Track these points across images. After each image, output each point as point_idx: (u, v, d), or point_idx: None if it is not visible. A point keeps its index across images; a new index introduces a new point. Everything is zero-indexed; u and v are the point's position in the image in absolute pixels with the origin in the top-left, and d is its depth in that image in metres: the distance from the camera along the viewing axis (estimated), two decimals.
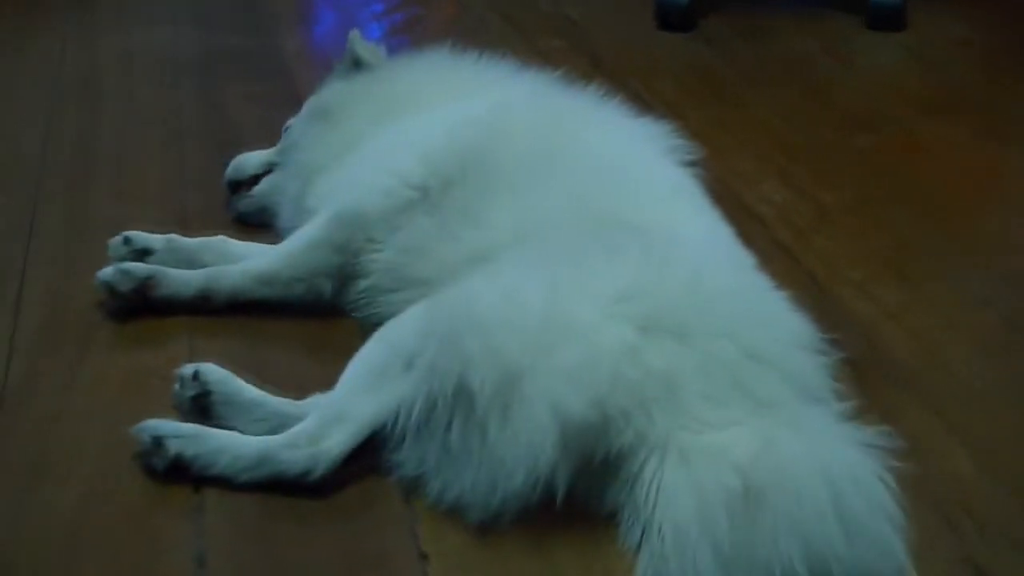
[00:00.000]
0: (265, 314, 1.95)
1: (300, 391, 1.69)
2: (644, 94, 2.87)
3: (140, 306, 1.93)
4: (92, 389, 1.78)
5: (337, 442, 1.55)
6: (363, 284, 1.90)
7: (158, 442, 1.57)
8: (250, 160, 2.27)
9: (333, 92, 2.20)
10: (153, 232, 2.06)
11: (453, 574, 1.46)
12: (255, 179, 2.25)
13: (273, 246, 2.01)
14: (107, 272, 1.93)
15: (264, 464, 1.55)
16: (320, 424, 1.57)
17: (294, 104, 2.30)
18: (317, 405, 1.63)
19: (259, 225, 2.20)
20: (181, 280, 1.94)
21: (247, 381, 1.69)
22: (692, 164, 1.95)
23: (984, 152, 2.69)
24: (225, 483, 1.56)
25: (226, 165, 2.28)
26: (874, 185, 2.48)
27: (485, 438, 1.48)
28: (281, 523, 1.53)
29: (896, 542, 1.38)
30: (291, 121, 2.24)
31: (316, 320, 1.94)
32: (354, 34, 2.24)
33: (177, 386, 1.68)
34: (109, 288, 1.93)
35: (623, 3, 3.58)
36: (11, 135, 2.65)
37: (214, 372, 1.68)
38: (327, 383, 1.66)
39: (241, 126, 2.63)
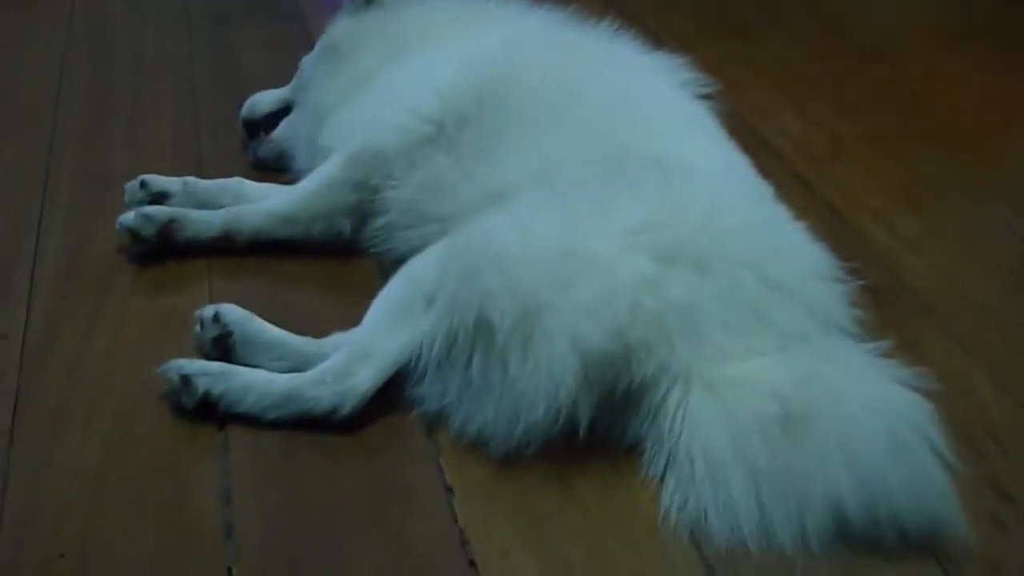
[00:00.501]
0: (283, 255, 1.96)
1: (320, 330, 1.70)
2: (658, 30, 2.85)
3: (162, 250, 1.94)
4: (113, 334, 1.79)
5: (365, 378, 1.57)
6: (381, 221, 1.90)
7: (186, 380, 1.58)
8: (264, 99, 2.27)
9: (342, 30, 2.19)
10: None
11: (478, 506, 1.47)
12: (270, 120, 2.25)
13: (291, 186, 2.01)
14: (129, 217, 1.94)
15: (292, 401, 1.56)
16: (347, 361, 1.58)
17: (306, 48, 2.30)
18: (338, 344, 1.63)
19: (278, 169, 2.20)
20: (203, 221, 1.95)
21: (268, 321, 1.70)
22: (706, 97, 1.94)
23: (999, 82, 2.68)
24: (250, 421, 1.58)
25: (240, 110, 2.28)
26: (890, 116, 2.47)
27: (506, 371, 1.49)
28: (305, 460, 1.54)
29: (943, 478, 1.39)
30: (305, 59, 2.24)
31: (334, 259, 1.95)
32: None
33: (198, 327, 1.69)
34: (132, 233, 1.93)
35: None
36: (24, 86, 2.65)
37: (233, 312, 1.69)
38: (346, 322, 1.68)
39: (253, 72, 2.62)
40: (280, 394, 1.57)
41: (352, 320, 1.67)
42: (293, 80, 2.25)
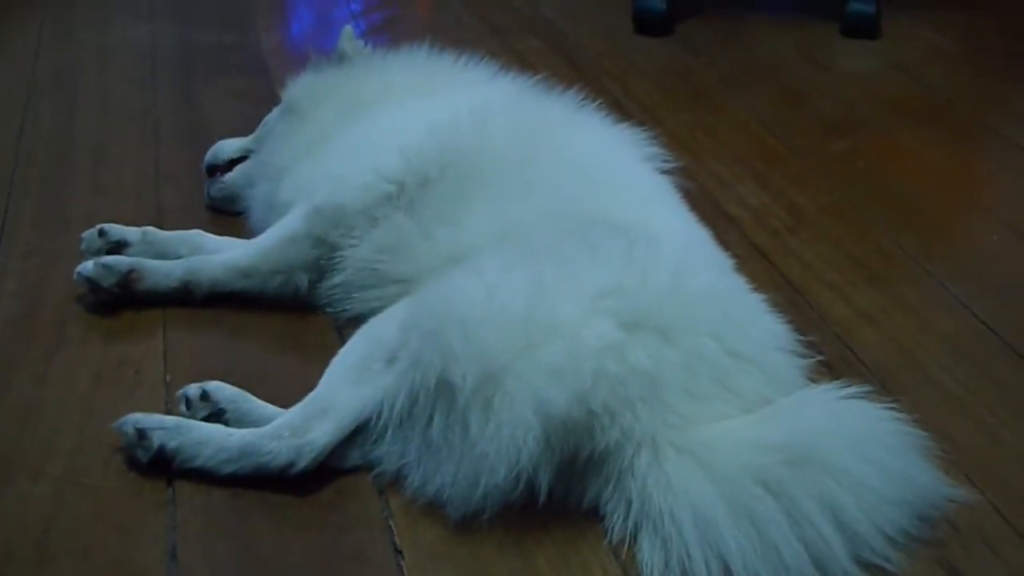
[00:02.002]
0: (238, 307, 1.95)
1: (275, 386, 1.70)
2: (621, 97, 2.88)
3: (120, 299, 1.92)
4: (66, 382, 1.77)
5: (322, 433, 1.55)
6: (338, 280, 1.89)
7: (142, 434, 1.57)
8: (228, 146, 2.28)
9: (302, 87, 2.20)
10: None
11: (427, 569, 1.46)
12: (231, 165, 2.25)
13: (251, 240, 2.00)
14: (88, 267, 1.92)
15: (247, 455, 1.55)
16: (304, 416, 1.57)
17: (271, 101, 2.30)
18: None
19: (232, 214, 2.21)
20: (163, 272, 1.94)
21: (222, 376, 1.69)
22: (669, 171, 1.96)
23: (958, 158, 2.71)
24: (200, 477, 1.56)
25: (202, 160, 2.28)
26: (850, 189, 2.49)
27: (467, 432, 1.48)
28: (254, 518, 1.52)
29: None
30: (269, 114, 2.24)
31: (289, 314, 1.94)
32: (347, 29, 2.25)
33: (183, 407, 1.65)
34: (91, 283, 1.91)
35: (600, 6, 3.58)
36: None
37: (224, 390, 1.66)
38: (301, 377, 1.67)
39: (217, 122, 2.62)
40: (236, 448, 1.55)
41: (307, 376, 1.66)
42: (256, 131, 2.25)
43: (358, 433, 1.58)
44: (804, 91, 3.05)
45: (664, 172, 1.94)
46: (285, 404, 1.63)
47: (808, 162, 2.62)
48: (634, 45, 3.32)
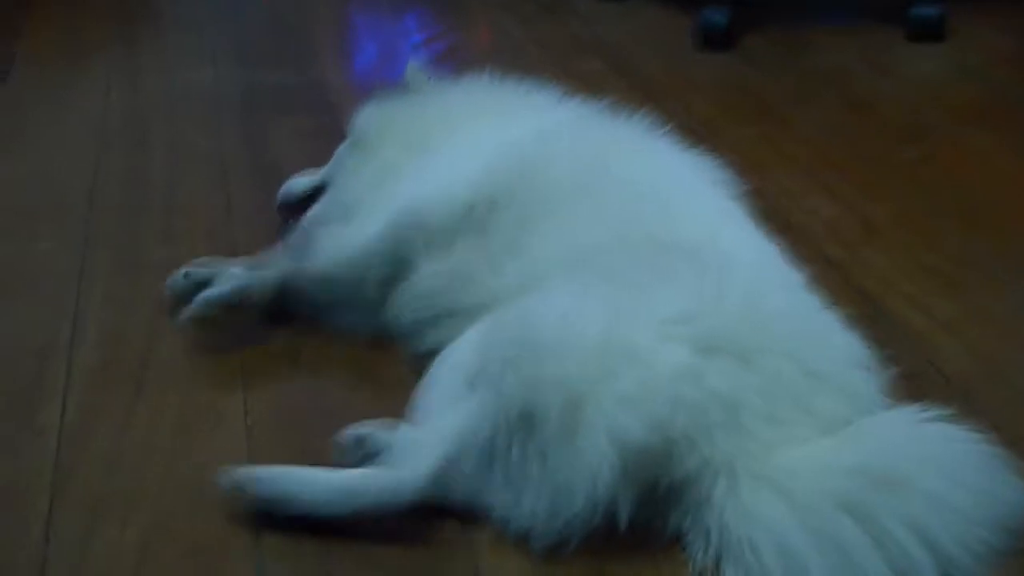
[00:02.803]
0: (314, 345, 1.97)
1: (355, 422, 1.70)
2: (684, 114, 2.87)
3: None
4: (149, 428, 1.79)
5: (421, 467, 1.53)
6: (409, 313, 1.90)
7: (241, 486, 1.57)
8: (298, 183, 2.29)
9: (366, 118, 2.22)
10: None
11: None
12: (306, 203, 2.26)
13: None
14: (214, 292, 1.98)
15: (349, 496, 1.53)
16: (403, 453, 1.56)
17: (338, 137, 2.31)
18: None
19: None
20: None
21: (302, 416, 1.70)
22: (740, 195, 1.94)
23: None
24: (285, 524, 1.56)
25: (274, 199, 2.30)
26: (921, 197, 2.47)
27: (545, 462, 1.48)
28: (343, 564, 1.53)
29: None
30: (339, 148, 2.27)
31: (363, 350, 1.95)
32: (412, 63, 2.28)
33: (337, 455, 1.64)
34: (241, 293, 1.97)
35: (660, 24, 3.58)
36: (59, 179, 2.68)
37: (379, 435, 1.64)
38: (381, 412, 1.68)
39: (286, 162, 2.63)
40: (337, 490, 1.54)
41: (386, 410, 1.68)
42: (326, 166, 2.27)
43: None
44: (870, 99, 3.03)
45: (734, 196, 1.92)
46: None
47: (878, 171, 2.60)
48: (696, 61, 3.31)
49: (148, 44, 3.64)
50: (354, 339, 1.97)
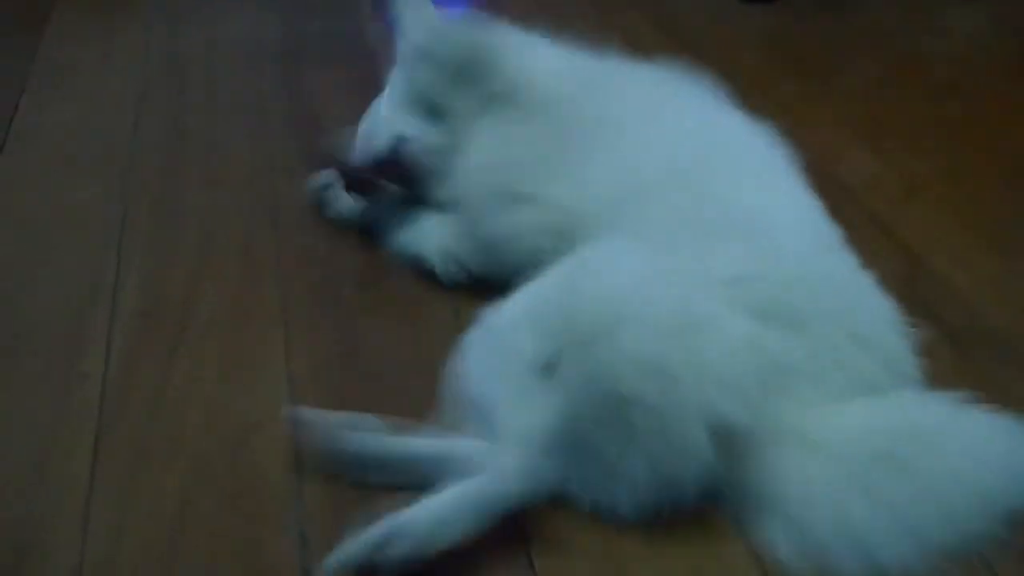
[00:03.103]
0: (353, 292, 1.98)
1: (396, 373, 1.70)
2: (728, 68, 2.82)
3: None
4: (190, 375, 1.80)
5: (534, 457, 1.46)
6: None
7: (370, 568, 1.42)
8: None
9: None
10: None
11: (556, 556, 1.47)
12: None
13: None
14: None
15: (473, 509, 1.43)
16: (511, 450, 1.47)
17: (377, 88, 2.31)
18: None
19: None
20: None
21: (343, 365, 1.70)
22: (786, 153, 1.92)
23: None
24: (322, 467, 1.57)
25: (315, 149, 2.30)
26: (966, 153, 2.44)
27: (642, 448, 1.43)
28: (382, 502, 1.53)
29: None
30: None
31: (404, 294, 1.97)
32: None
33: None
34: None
35: None
36: (100, 126, 2.68)
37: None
38: (423, 358, 1.69)
39: (325, 111, 2.64)
40: (456, 509, 1.43)
41: (425, 356, 1.70)
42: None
43: None
44: (914, 55, 3.00)
45: (781, 153, 1.89)
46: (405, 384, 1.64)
47: (922, 127, 2.57)
48: (739, 14, 3.28)
49: None
50: (395, 285, 1.96)
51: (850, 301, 1.59)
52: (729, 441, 1.44)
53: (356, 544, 1.40)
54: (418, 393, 1.64)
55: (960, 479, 1.41)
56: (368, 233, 2.09)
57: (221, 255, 2.10)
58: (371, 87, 2.35)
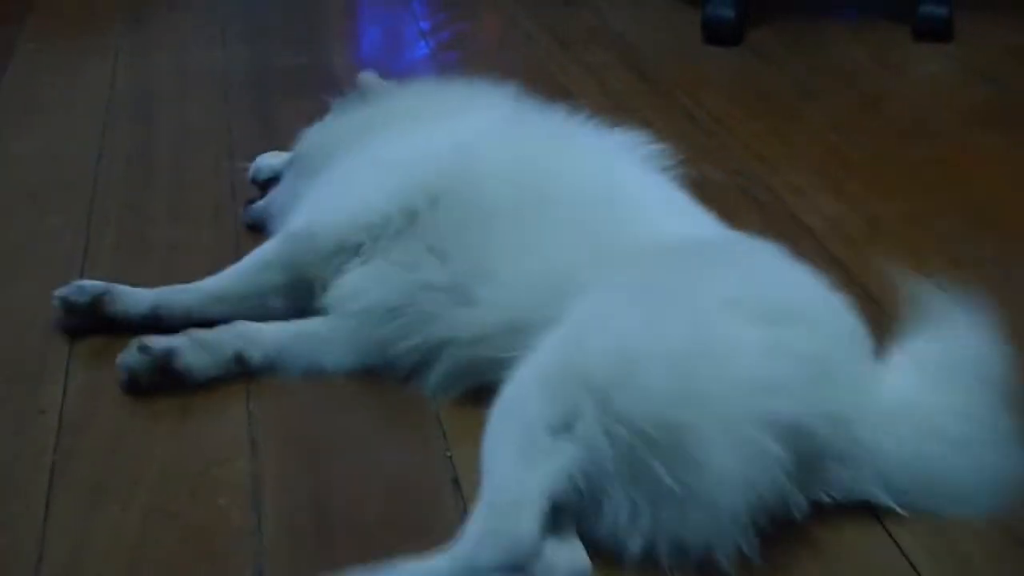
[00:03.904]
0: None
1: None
2: (693, 108, 2.87)
3: (93, 323, 1.95)
4: (150, 410, 1.79)
5: (528, 528, 1.41)
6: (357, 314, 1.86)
7: None
8: (265, 163, 2.31)
9: (309, 140, 2.23)
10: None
11: None
12: (267, 184, 2.28)
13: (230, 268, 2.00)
14: (62, 289, 1.96)
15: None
16: (499, 517, 1.43)
17: None
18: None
19: None
20: (134, 299, 1.95)
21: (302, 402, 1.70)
22: (670, 168, 1.95)
23: None
24: (282, 500, 1.57)
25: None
26: (928, 196, 2.47)
27: (698, 472, 1.41)
28: (341, 542, 1.53)
29: None
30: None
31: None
32: (366, 73, 2.28)
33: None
34: (65, 303, 1.95)
35: (670, 17, 3.58)
36: (65, 155, 2.68)
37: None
38: (384, 399, 1.68)
39: (292, 144, 2.63)
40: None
41: (386, 396, 1.69)
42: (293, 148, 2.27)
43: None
44: (878, 97, 3.03)
45: (666, 169, 1.93)
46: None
47: (885, 169, 2.60)
48: (704, 55, 3.31)
49: (157, 22, 3.63)
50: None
51: (815, 292, 1.64)
52: (796, 437, 1.45)
53: None
54: (377, 421, 1.65)
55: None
56: None
57: None
58: None
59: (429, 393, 1.78)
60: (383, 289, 1.83)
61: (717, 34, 3.35)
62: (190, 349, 1.82)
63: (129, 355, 1.82)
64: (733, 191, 2.42)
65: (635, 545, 1.44)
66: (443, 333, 1.76)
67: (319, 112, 2.33)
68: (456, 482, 1.62)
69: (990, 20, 3.50)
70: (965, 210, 2.41)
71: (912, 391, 1.58)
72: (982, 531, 1.52)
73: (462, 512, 1.56)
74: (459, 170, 1.86)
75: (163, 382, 1.81)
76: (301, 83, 3.08)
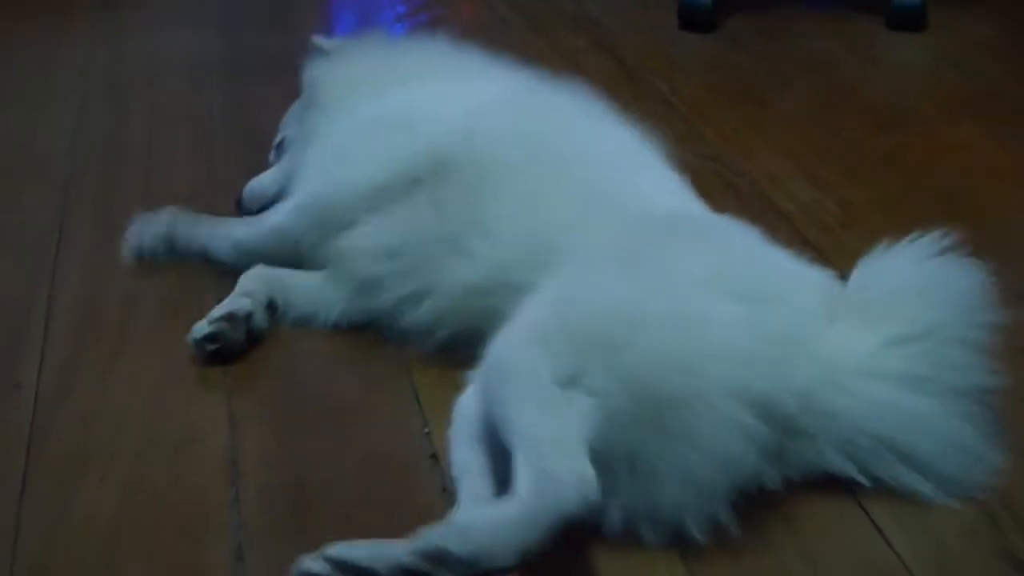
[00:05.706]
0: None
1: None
2: (668, 94, 2.87)
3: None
4: (127, 387, 1.80)
5: (581, 461, 1.37)
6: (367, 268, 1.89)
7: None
8: (257, 189, 2.25)
9: (322, 73, 2.23)
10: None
11: None
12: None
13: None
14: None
15: (531, 526, 1.32)
16: (553, 459, 1.37)
17: None
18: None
19: None
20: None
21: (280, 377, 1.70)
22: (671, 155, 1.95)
23: (1008, 150, 2.69)
24: (260, 474, 1.58)
25: (256, 161, 2.31)
26: (900, 183, 2.48)
27: (688, 445, 1.42)
28: (319, 516, 1.54)
29: None
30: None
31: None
32: (315, 38, 2.32)
33: None
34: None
35: (646, 3, 3.58)
36: (40, 138, 2.67)
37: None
38: (362, 370, 1.70)
39: (268, 125, 2.63)
40: (516, 522, 1.33)
41: (363, 367, 1.71)
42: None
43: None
44: (852, 85, 3.04)
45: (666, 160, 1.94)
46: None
47: (858, 156, 2.61)
48: (680, 42, 3.31)
49: (131, 5, 3.62)
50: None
51: (791, 271, 1.67)
52: (772, 411, 1.45)
53: (403, 553, 1.31)
54: (355, 398, 1.67)
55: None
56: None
57: (159, 269, 2.09)
58: None
59: (410, 337, 1.82)
60: (382, 233, 1.86)
61: (693, 21, 3.36)
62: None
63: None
64: (708, 176, 2.42)
65: (614, 516, 1.44)
66: (436, 279, 1.78)
67: (292, 94, 2.33)
68: (435, 457, 1.63)
69: (963, 10, 3.51)
70: (938, 197, 2.42)
71: (871, 347, 1.58)
72: (954, 506, 1.53)
73: (440, 488, 1.57)
74: (468, 136, 1.87)
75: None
76: (275, 65, 3.05)
